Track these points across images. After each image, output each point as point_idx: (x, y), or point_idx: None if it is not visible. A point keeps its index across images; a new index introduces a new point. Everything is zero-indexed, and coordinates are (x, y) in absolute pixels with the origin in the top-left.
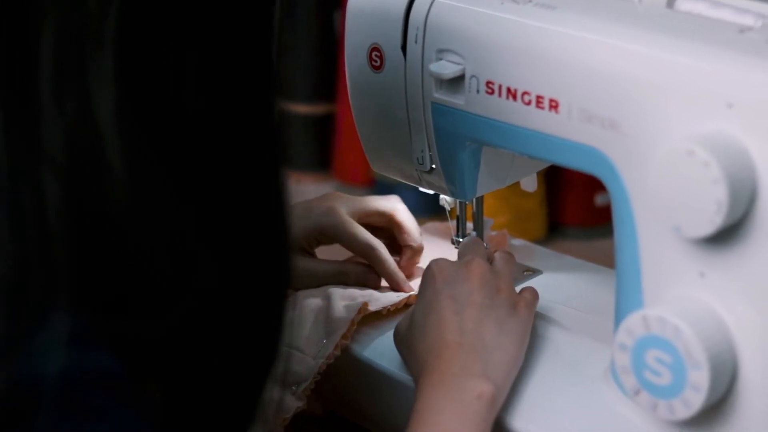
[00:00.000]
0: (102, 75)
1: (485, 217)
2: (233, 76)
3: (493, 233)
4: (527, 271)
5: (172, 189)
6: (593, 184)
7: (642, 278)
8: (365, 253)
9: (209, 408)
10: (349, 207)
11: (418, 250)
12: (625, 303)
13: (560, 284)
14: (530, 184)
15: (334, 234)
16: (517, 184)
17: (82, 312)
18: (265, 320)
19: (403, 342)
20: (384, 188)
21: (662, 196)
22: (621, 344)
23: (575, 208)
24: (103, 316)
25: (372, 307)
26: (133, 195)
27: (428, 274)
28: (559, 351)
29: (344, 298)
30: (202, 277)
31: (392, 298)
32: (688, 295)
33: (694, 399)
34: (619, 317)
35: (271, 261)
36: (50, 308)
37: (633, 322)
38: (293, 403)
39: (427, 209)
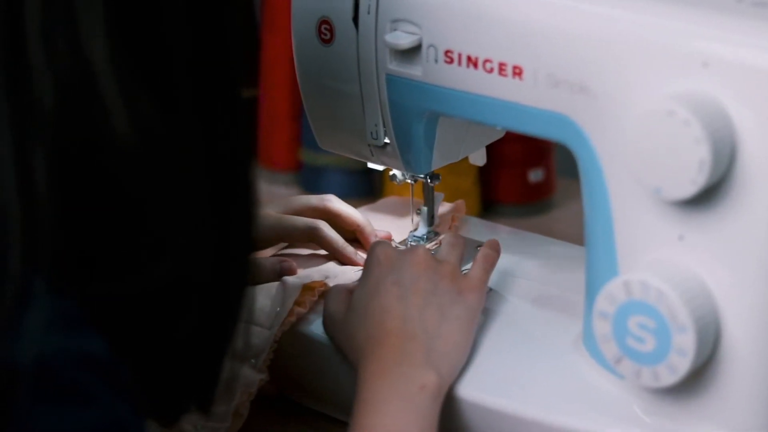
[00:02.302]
0: (92, 16)
1: (436, 192)
2: (220, 11)
3: (447, 207)
4: (480, 246)
5: (171, 135)
6: (526, 161)
7: (616, 244)
8: (311, 235)
9: (177, 383)
10: (279, 208)
11: (368, 229)
12: (597, 271)
13: (516, 259)
14: (479, 158)
15: (273, 234)
16: None
17: (63, 280)
18: (231, 287)
19: (338, 327)
20: (311, 172)
21: (640, 158)
22: (601, 312)
23: (509, 185)
24: (83, 281)
25: (331, 284)
26: (132, 141)
27: (372, 259)
28: (524, 325)
29: (299, 277)
30: (183, 237)
31: (351, 275)
32: (667, 259)
33: (680, 364)
34: (591, 286)
35: (242, 227)
36: (32, 281)
37: (613, 288)
38: (255, 377)
39: (358, 191)
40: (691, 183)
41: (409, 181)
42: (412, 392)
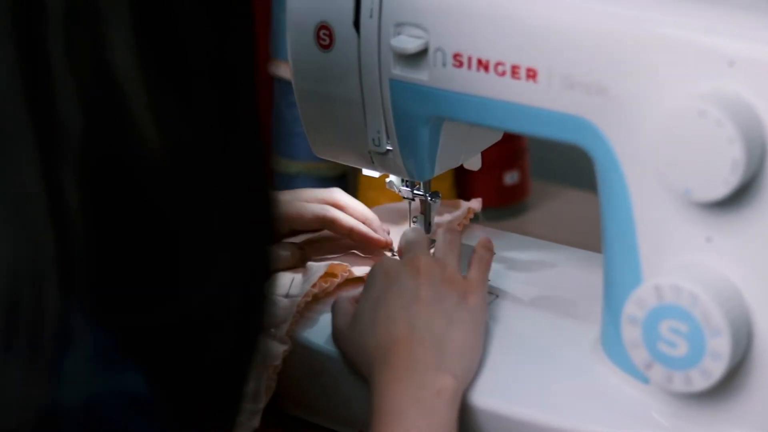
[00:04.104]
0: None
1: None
2: (238, 19)
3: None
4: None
5: (202, 149)
6: (501, 164)
7: (638, 248)
8: (323, 220)
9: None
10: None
11: (376, 222)
12: (617, 275)
13: (517, 264)
14: (475, 162)
15: (285, 223)
16: None
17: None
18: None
19: (346, 340)
20: (283, 180)
21: (667, 159)
22: (630, 317)
23: (484, 188)
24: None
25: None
26: (164, 156)
27: (374, 273)
28: (537, 331)
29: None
30: (221, 261)
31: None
32: (695, 262)
33: (715, 368)
34: (611, 290)
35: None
36: (71, 315)
37: (643, 292)
38: (279, 348)
39: None
40: (724, 184)
41: (404, 188)
42: (429, 398)
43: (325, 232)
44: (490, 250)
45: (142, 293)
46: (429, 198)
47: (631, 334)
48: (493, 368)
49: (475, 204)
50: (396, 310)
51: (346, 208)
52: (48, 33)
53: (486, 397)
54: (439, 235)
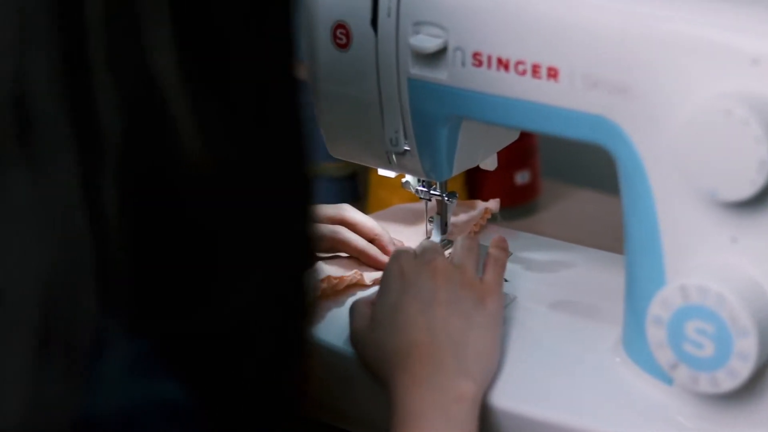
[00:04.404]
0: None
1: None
2: (278, 25)
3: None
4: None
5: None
6: (512, 164)
7: (662, 249)
8: (332, 240)
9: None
10: None
11: (386, 238)
12: (640, 276)
13: (534, 265)
14: (491, 162)
15: None
16: None
17: (137, 319)
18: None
19: (364, 343)
20: None
21: (692, 159)
22: (655, 318)
23: (495, 188)
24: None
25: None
26: (205, 164)
27: (390, 273)
28: (556, 332)
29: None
30: (256, 271)
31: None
32: (719, 262)
33: (742, 369)
34: (634, 291)
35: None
36: (108, 323)
37: (669, 293)
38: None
39: (341, 199)
40: (750, 183)
41: (421, 188)
42: (449, 403)
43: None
44: (504, 250)
45: (176, 301)
46: (446, 198)
47: (656, 335)
48: (513, 370)
49: (493, 204)
50: (414, 314)
51: (356, 225)
52: (87, 37)
53: (507, 399)
54: (458, 241)
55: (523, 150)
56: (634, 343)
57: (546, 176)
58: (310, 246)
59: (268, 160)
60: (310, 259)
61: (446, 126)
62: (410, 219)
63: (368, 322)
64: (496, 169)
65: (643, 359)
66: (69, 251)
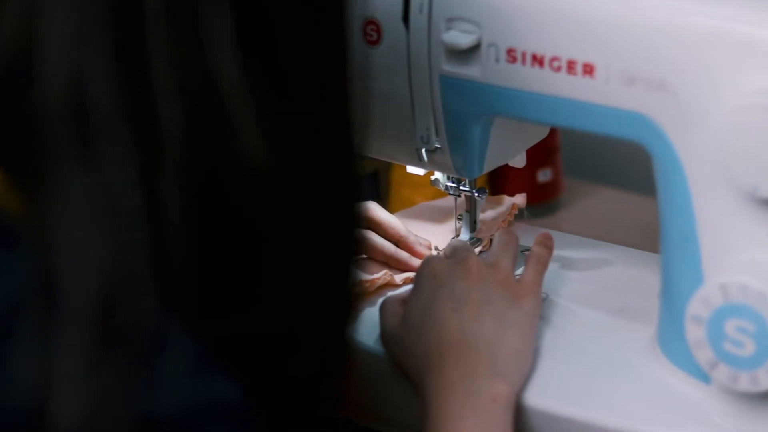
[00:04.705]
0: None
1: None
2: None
3: (503, 208)
4: (526, 251)
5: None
6: (535, 161)
7: (700, 247)
8: None
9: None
10: None
11: (411, 238)
12: (677, 274)
13: (563, 262)
14: (520, 160)
15: None
16: None
17: (193, 320)
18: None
19: (395, 343)
20: None
21: (733, 156)
22: (695, 316)
23: (518, 186)
24: (212, 320)
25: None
26: (267, 165)
27: (422, 273)
28: (590, 331)
29: None
30: (307, 272)
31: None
32: (759, 260)
33: None
34: (670, 289)
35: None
36: (166, 324)
37: (708, 291)
38: None
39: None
40: None
41: (450, 184)
42: (484, 405)
43: None
44: (548, 248)
45: (231, 301)
46: (476, 194)
47: (695, 333)
48: (548, 369)
49: (519, 200)
50: (446, 314)
51: (382, 225)
52: (146, 34)
53: (543, 398)
54: (496, 236)
55: (545, 148)
56: (671, 341)
57: (567, 174)
58: (357, 246)
59: (325, 158)
60: (356, 260)
61: (479, 123)
62: (437, 217)
63: (399, 321)
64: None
65: (679, 358)
66: (128, 251)
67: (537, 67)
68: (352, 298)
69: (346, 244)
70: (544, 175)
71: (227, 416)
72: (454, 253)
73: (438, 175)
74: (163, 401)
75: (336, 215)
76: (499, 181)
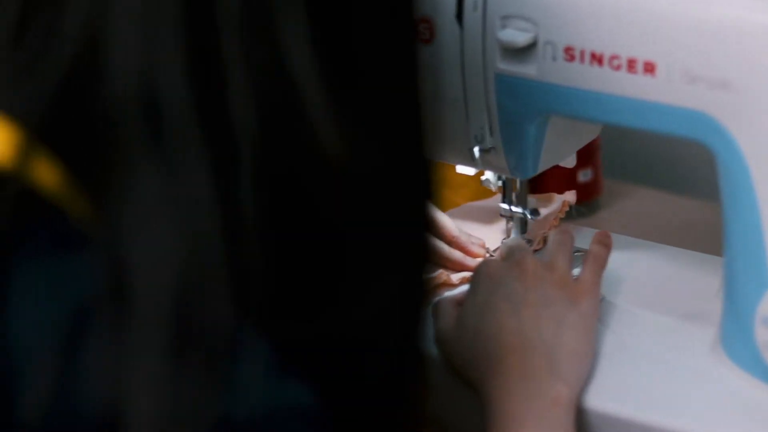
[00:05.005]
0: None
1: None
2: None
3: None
4: (578, 252)
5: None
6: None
7: (765, 248)
8: None
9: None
10: None
11: (464, 238)
12: (742, 275)
13: (618, 263)
14: (571, 161)
15: None
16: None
17: (269, 323)
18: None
19: (450, 345)
20: None
21: None
22: (765, 318)
23: (559, 186)
24: (288, 323)
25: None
26: (344, 163)
27: (479, 275)
28: (649, 333)
29: None
30: (384, 275)
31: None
32: None
33: None
34: (735, 291)
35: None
36: (242, 328)
37: None
38: None
39: None
40: None
41: (503, 206)
42: (545, 407)
43: None
44: (606, 247)
45: (307, 303)
46: (529, 216)
47: (764, 335)
48: (608, 371)
49: (570, 197)
50: (503, 317)
51: (434, 225)
52: (220, 32)
53: (603, 401)
54: (551, 235)
55: (586, 148)
56: (735, 343)
57: (606, 175)
58: (430, 247)
59: (399, 157)
60: (429, 261)
61: (534, 122)
62: (484, 217)
63: (454, 323)
64: (560, 167)
65: (744, 360)
66: (203, 251)
67: (596, 65)
68: (425, 300)
69: (421, 245)
70: (584, 175)
71: (304, 422)
72: (510, 254)
73: (489, 175)
74: (241, 406)
75: (411, 215)
76: (541, 182)
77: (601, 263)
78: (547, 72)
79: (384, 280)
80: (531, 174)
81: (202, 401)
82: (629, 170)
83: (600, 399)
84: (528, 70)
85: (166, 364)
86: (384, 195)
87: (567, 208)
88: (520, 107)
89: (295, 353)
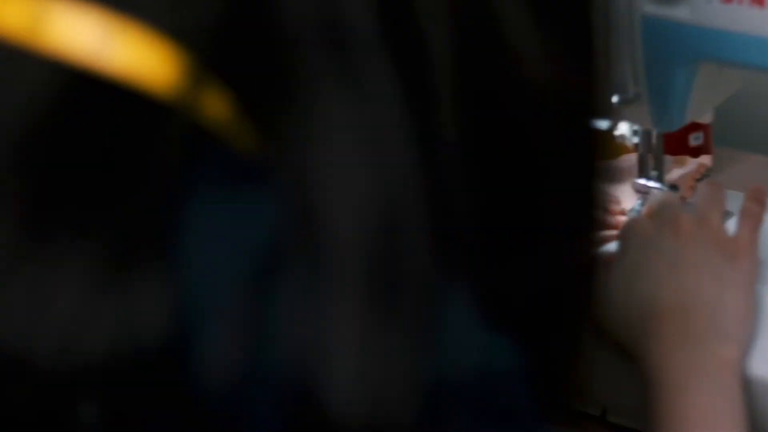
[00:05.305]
0: None
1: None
2: None
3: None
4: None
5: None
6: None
7: None
8: None
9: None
10: None
11: None
12: None
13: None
14: (708, 116)
15: None
16: None
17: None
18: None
19: (598, 306)
20: None
21: None
22: None
23: (670, 148)
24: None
25: None
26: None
27: (627, 234)
28: None
29: None
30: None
31: None
32: None
33: None
34: None
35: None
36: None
37: None
38: None
39: None
40: None
41: (636, 140)
42: (713, 371)
43: None
44: (761, 203)
45: (506, 249)
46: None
47: None
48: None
49: (707, 160)
50: (660, 277)
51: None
52: None
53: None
54: (700, 189)
55: None
56: None
57: (716, 142)
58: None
59: (591, 86)
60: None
61: (684, 69)
62: (616, 176)
63: (601, 283)
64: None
65: None
66: (400, 190)
67: (756, 7)
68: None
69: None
70: (696, 139)
71: (518, 386)
72: (661, 211)
73: (624, 130)
74: (452, 367)
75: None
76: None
77: (757, 219)
78: (701, 14)
79: (577, 230)
80: (676, 126)
81: (411, 363)
82: (740, 137)
83: (761, 365)
84: (679, 13)
85: (366, 319)
86: (585, 126)
87: (704, 171)
88: (669, 53)
89: (499, 307)
